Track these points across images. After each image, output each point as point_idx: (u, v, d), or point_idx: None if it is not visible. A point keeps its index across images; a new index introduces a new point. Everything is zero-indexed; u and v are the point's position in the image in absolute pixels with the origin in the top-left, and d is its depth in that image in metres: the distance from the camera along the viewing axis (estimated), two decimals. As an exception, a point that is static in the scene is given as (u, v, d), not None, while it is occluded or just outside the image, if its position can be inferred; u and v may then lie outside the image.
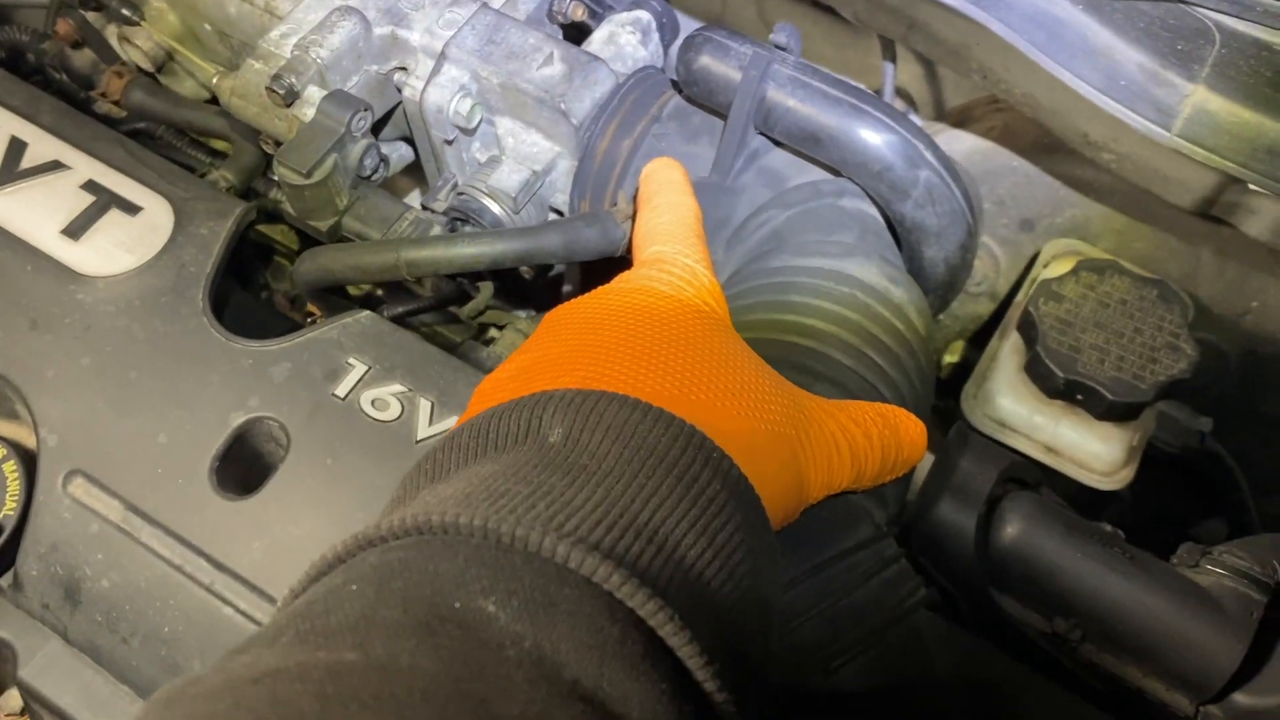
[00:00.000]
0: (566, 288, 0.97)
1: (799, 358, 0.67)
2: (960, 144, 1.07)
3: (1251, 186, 0.75)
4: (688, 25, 0.96)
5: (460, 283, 0.89)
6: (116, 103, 1.01)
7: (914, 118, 1.17)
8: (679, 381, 0.50)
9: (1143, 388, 0.74)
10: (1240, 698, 0.64)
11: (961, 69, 0.91)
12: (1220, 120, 0.75)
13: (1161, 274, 0.94)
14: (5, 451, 0.74)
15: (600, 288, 0.59)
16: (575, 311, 0.56)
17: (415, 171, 0.97)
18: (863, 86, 0.81)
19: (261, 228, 1.03)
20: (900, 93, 1.16)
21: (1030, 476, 0.70)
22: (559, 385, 0.49)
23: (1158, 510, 0.99)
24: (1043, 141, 1.02)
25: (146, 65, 1.00)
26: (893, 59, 1.01)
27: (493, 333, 0.85)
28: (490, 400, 0.51)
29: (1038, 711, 0.62)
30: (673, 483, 0.44)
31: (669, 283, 0.58)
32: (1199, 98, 0.76)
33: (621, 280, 0.60)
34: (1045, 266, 0.90)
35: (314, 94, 0.82)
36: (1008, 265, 1.00)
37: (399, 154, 0.96)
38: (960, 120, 1.11)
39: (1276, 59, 0.74)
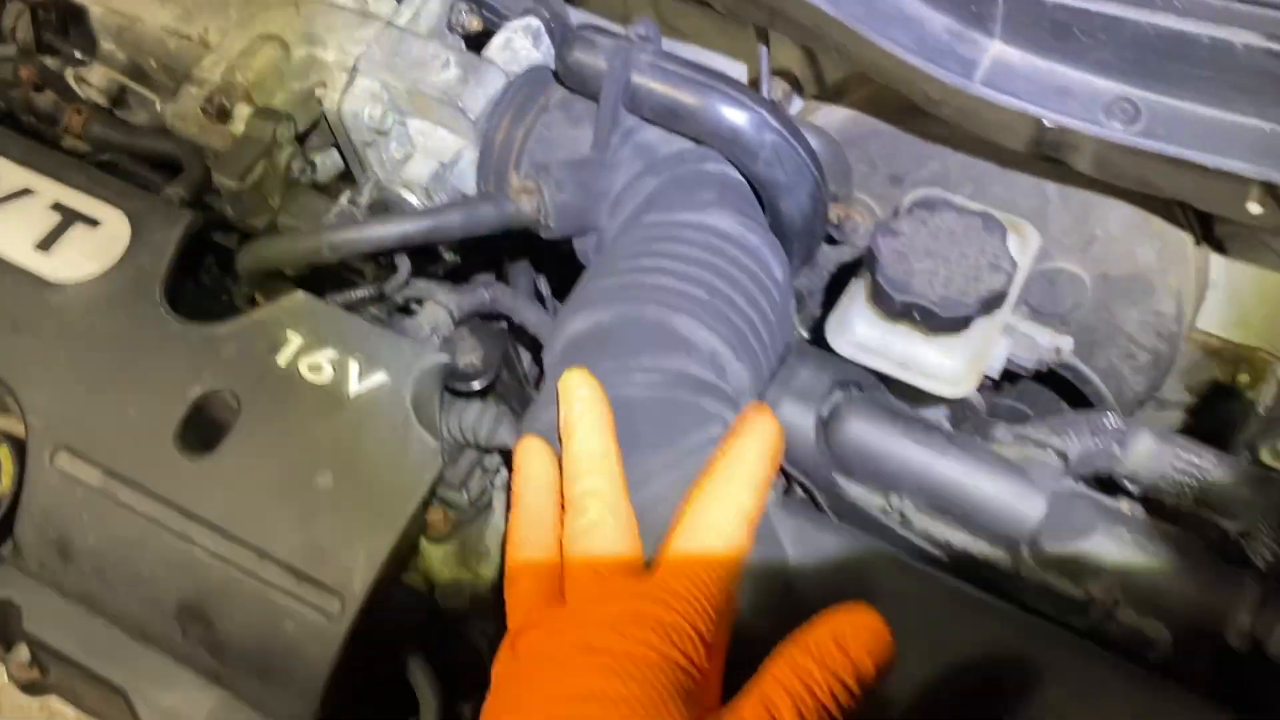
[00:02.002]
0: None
1: (662, 295, 0.79)
2: (835, 115, 1.20)
3: (1046, 123, 0.88)
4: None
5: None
6: (79, 137, 1.13)
7: (797, 98, 1.30)
8: None
9: (967, 302, 0.86)
10: (1048, 546, 0.76)
11: (823, 48, 1.04)
12: (1016, 68, 0.87)
13: (1015, 211, 1.06)
14: (-1, 438, 0.87)
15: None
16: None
17: (348, 176, 1.10)
18: (715, 69, 0.93)
19: (219, 239, 1.15)
20: (785, 74, 1.28)
21: (865, 380, 0.82)
22: None
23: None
24: (903, 105, 1.15)
25: (102, 101, 1.13)
26: (766, 44, 1.14)
27: (414, 307, 0.97)
28: None
29: (881, 575, 0.74)
30: None
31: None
32: (995, 50, 0.88)
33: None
34: (901, 212, 1.02)
35: (243, 111, 0.95)
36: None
37: (331, 160, 1.08)
38: (835, 94, 1.24)
39: (1055, 11, 0.86)
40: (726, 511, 0.62)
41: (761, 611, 0.69)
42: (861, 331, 0.93)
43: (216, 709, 0.83)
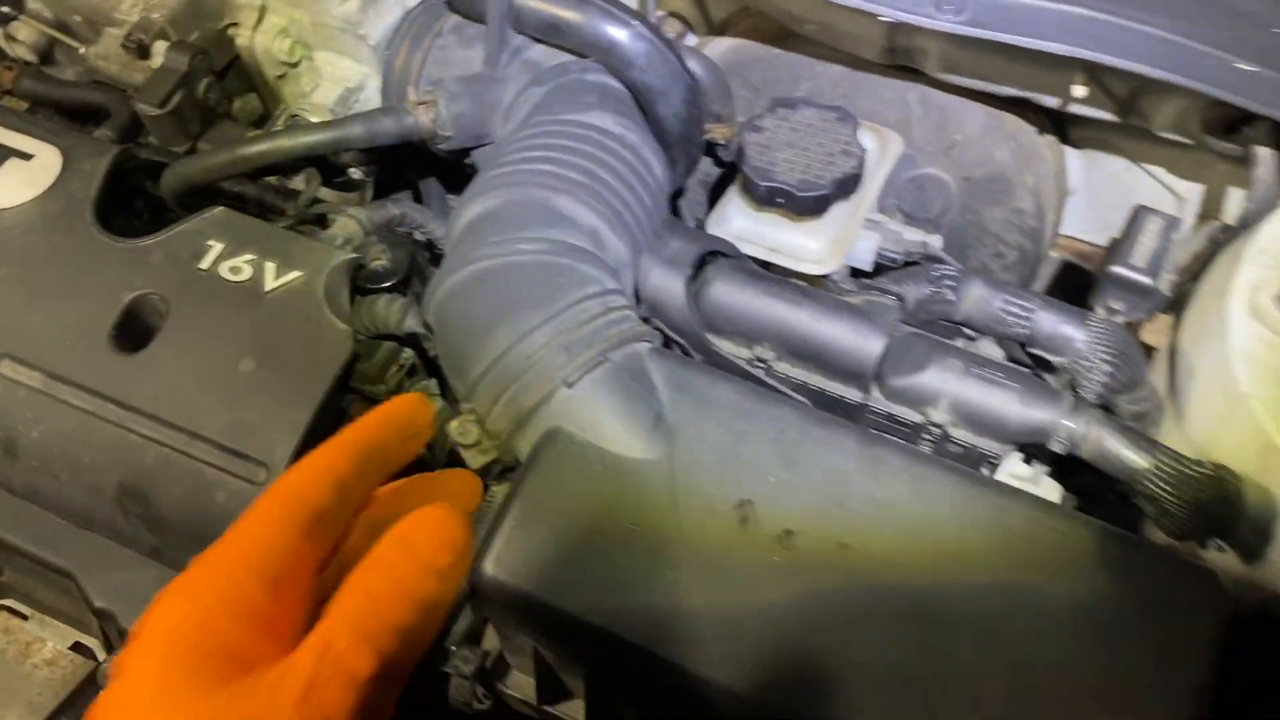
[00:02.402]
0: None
1: (545, 180, 0.89)
2: (720, 46, 1.30)
3: (883, 18, 0.98)
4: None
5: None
6: (10, 92, 1.21)
7: (691, 35, 1.39)
8: None
9: (822, 184, 0.96)
10: (891, 379, 0.86)
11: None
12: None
13: (882, 121, 1.17)
14: (-56, 347, 0.94)
15: None
16: None
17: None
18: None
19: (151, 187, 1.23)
20: (676, 15, 1.38)
21: (730, 249, 0.91)
22: None
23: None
24: (778, 32, 1.25)
25: (31, 57, 1.20)
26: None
27: (331, 218, 1.05)
28: None
29: (747, 404, 0.83)
30: None
31: None
32: (839, -42, 0.98)
33: None
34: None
35: (161, 47, 1.03)
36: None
37: (252, 104, 1.16)
38: (721, 30, 1.34)
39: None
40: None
41: (633, 444, 0.78)
42: (737, 223, 1.03)
43: (159, 580, 0.91)
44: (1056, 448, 0.83)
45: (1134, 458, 0.82)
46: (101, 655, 0.97)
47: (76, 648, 1.02)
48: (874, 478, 0.78)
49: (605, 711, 0.85)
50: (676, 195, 1.18)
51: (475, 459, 0.82)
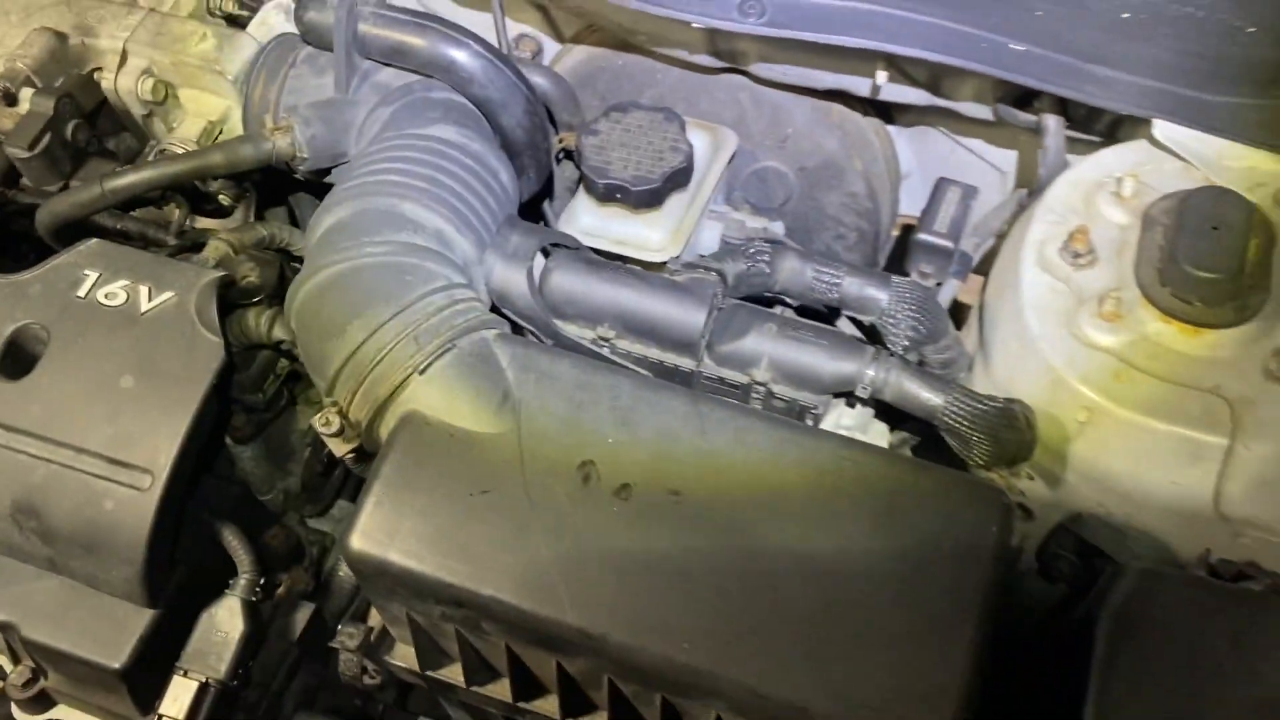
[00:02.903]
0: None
1: (390, 189, 0.97)
2: (573, 58, 1.39)
3: (695, 25, 1.08)
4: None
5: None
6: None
7: (547, 50, 1.48)
8: None
9: (654, 178, 1.05)
10: (717, 346, 0.95)
11: (559, 6, 1.23)
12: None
13: (720, 120, 1.27)
14: None
15: None
16: None
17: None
18: (431, 13, 1.11)
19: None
20: (529, 37, 1.47)
21: (569, 241, 1.00)
22: None
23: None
24: (619, 44, 1.35)
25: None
26: (501, 8, 1.32)
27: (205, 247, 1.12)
28: None
29: (589, 375, 0.91)
30: None
31: None
32: (651, -27, 1.08)
33: None
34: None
35: (27, 94, 1.09)
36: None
37: (125, 144, 1.23)
38: (572, 44, 1.43)
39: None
40: None
41: (482, 420, 0.86)
42: (585, 220, 1.12)
43: (56, 589, 0.97)
44: (862, 393, 0.93)
45: (930, 396, 0.92)
46: (9, 668, 1.02)
47: (-17, 667, 1.07)
48: (701, 432, 0.87)
49: (481, 670, 0.93)
50: (540, 199, 1.27)
51: (340, 447, 0.90)
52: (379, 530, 0.84)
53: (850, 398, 0.95)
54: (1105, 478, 0.96)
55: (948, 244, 1.07)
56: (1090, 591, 0.91)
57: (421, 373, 0.87)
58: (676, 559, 0.82)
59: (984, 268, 1.14)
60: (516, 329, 1.00)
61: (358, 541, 0.83)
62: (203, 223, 1.19)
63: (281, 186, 1.25)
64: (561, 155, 1.22)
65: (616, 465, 0.85)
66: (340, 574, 1.11)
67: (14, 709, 1.02)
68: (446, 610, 0.85)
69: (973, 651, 0.79)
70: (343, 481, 1.24)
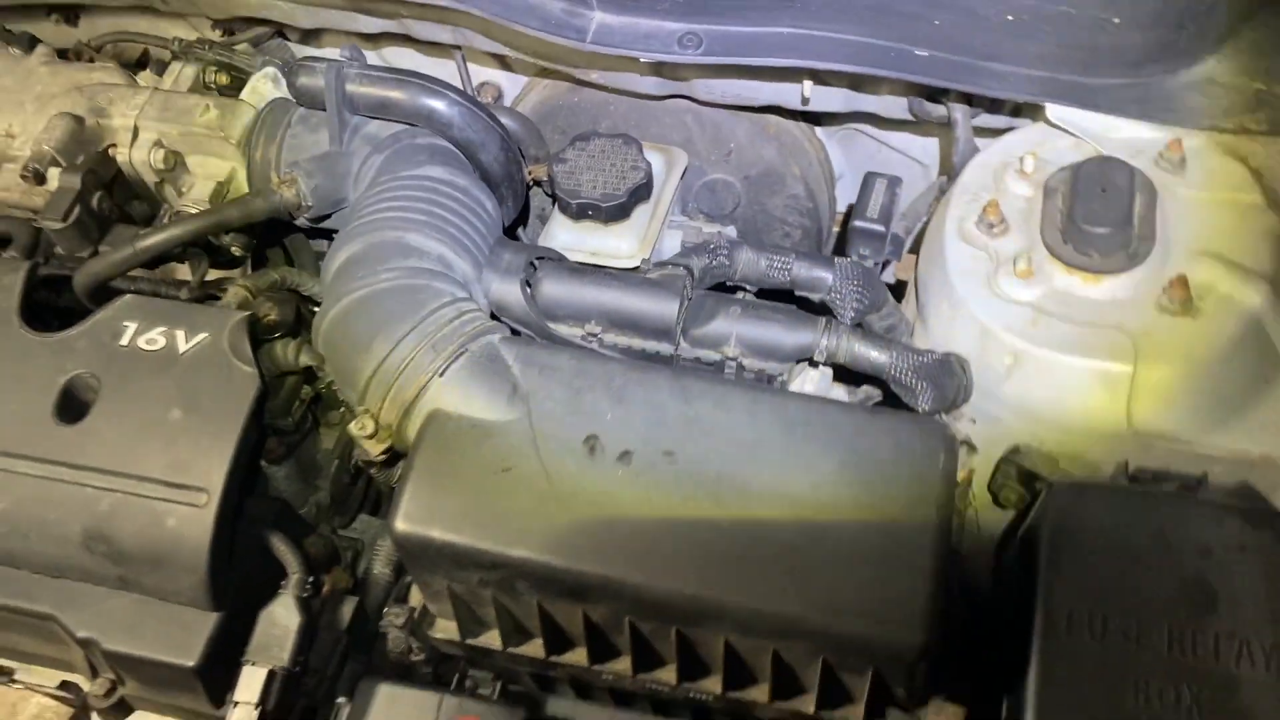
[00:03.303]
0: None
1: (394, 224, 1.11)
2: (533, 98, 1.54)
3: (642, 60, 1.23)
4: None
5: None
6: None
7: (506, 93, 1.63)
8: None
9: (619, 194, 1.20)
10: (691, 331, 1.10)
11: (512, 51, 1.38)
12: (614, 27, 1.23)
13: (669, 142, 1.42)
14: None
15: None
16: None
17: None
18: (410, 70, 1.26)
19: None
20: (490, 84, 1.62)
21: (552, 254, 1.15)
22: None
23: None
24: (573, 83, 1.50)
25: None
26: (463, 59, 1.47)
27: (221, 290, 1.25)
28: None
29: (583, 362, 1.05)
30: None
31: None
32: (599, 17, 1.24)
33: None
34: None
35: (55, 173, 1.22)
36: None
37: (141, 211, 1.36)
38: (528, 90, 1.59)
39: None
40: None
41: (497, 411, 1.00)
42: (562, 237, 1.27)
43: (129, 605, 1.09)
44: (820, 359, 1.08)
45: (877, 355, 1.07)
46: (86, 685, 1.13)
47: (64, 686, 1.18)
48: (685, 401, 1.01)
49: (515, 633, 1.06)
50: (517, 225, 1.42)
51: (374, 448, 1.03)
52: (419, 512, 0.97)
53: (810, 363, 1.10)
54: (1034, 412, 1.11)
55: (879, 228, 1.23)
56: (1031, 510, 1.06)
57: (441, 375, 1.01)
58: (676, 508, 0.96)
59: (918, 248, 1.30)
60: (515, 333, 1.14)
61: (402, 523, 0.97)
62: (212, 274, 1.32)
63: (274, 233, 1.38)
64: (531, 183, 1.37)
65: (617, 436, 0.99)
66: (375, 572, 1.23)
67: (95, 717, 1.13)
68: (484, 575, 0.98)
69: (935, 558, 0.93)
70: (364, 495, 1.37)
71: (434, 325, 1.03)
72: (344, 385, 1.06)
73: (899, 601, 0.92)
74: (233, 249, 1.28)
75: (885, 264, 1.28)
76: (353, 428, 1.02)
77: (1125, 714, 0.92)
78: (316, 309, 1.28)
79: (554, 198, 1.28)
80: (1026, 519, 1.07)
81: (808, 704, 1.00)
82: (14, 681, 1.21)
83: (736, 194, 1.50)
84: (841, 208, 1.63)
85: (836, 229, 1.63)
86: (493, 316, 1.12)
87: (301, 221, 1.24)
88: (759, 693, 1.01)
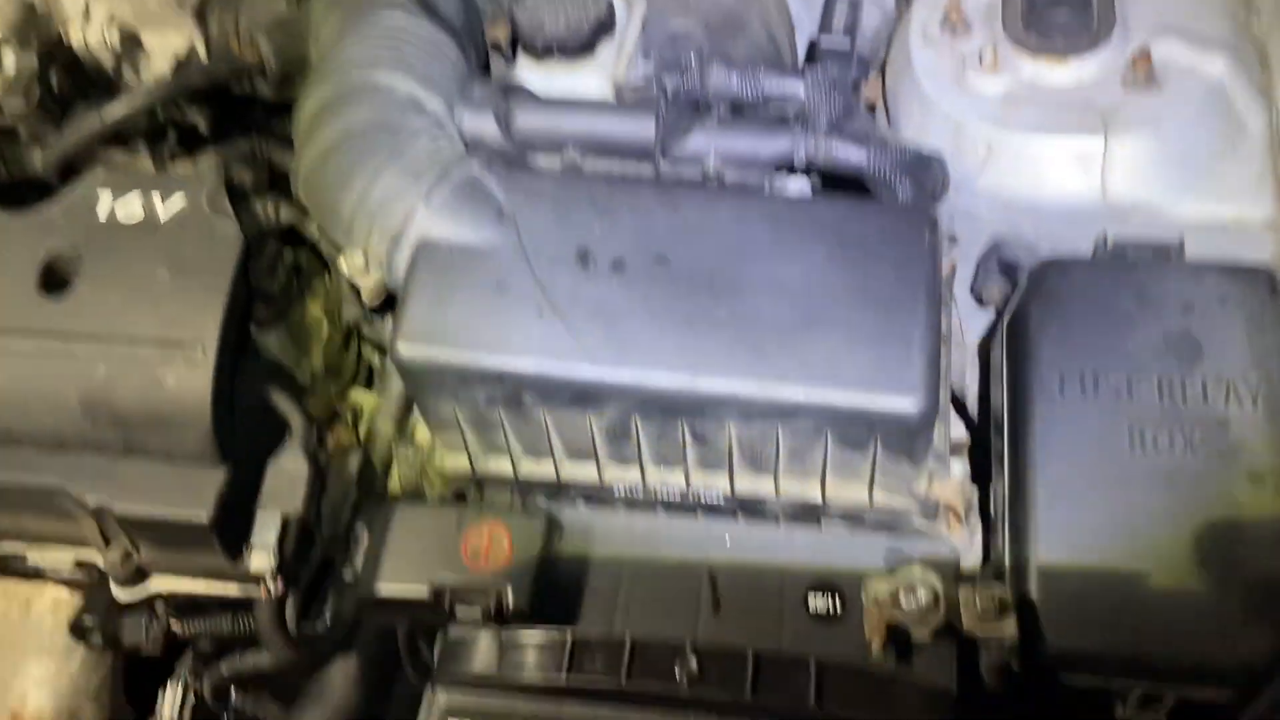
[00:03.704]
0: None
1: (362, 64, 1.10)
2: None
3: None
4: None
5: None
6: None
7: None
8: None
9: (583, 29, 1.20)
10: (668, 146, 1.11)
11: None
12: None
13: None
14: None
15: None
16: None
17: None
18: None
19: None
20: None
21: (520, 88, 1.15)
22: None
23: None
24: None
25: None
26: None
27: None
28: None
29: (550, 190, 1.06)
30: None
31: None
32: None
33: None
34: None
35: (9, 57, 1.20)
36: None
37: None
38: None
39: None
40: None
41: (485, 234, 1.01)
42: (529, 79, 1.26)
43: (135, 469, 1.09)
44: (799, 165, 1.09)
45: (855, 153, 1.09)
46: (100, 559, 1.13)
47: (77, 568, 1.18)
48: (673, 208, 1.02)
49: (525, 456, 1.07)
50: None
51: (367, 281, 1.03)
52: (419, 334, 0.98)
53: (790, 170, 1.11)
54: (1011, 200, 1.13)
55: (844, 46, 1.24)
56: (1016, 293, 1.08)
57: (425, 202, 1.01)
58: (675, 308, 0.97)
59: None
60: (492, 168, 1.14)
61: (403, 347, 0.98)
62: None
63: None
64: (490, 46, 1.36)
65: (607, 247, 1.00)
66: (379, 428, 1.24)
67: (113, 588, 1.14)
68: (489, 392, 0.99)
69: (928, 329, 0.95)
70: (355, 368, 1.37)
71: (412, 155, 1.03)
72: (329, 227, 1.07)
73: (896, 371, 0.94)
74: (198, 124, 1.27)
75: (855, 86, 1.29)
76: (343, 260, 1.03)
77: (1123, 461, 0.96)
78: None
79: (515, 45, 1.28)
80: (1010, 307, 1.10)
81: (814, 489, 1.02)
82: (25, 568, 1.21)
83: (699, 41, 1.50)
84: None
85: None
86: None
87: (268, 89, 1.23)
88: (766, 485, 1.03)
